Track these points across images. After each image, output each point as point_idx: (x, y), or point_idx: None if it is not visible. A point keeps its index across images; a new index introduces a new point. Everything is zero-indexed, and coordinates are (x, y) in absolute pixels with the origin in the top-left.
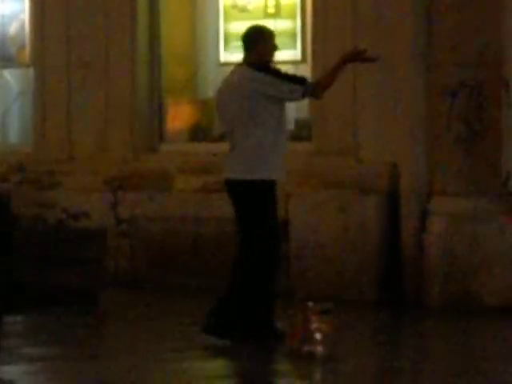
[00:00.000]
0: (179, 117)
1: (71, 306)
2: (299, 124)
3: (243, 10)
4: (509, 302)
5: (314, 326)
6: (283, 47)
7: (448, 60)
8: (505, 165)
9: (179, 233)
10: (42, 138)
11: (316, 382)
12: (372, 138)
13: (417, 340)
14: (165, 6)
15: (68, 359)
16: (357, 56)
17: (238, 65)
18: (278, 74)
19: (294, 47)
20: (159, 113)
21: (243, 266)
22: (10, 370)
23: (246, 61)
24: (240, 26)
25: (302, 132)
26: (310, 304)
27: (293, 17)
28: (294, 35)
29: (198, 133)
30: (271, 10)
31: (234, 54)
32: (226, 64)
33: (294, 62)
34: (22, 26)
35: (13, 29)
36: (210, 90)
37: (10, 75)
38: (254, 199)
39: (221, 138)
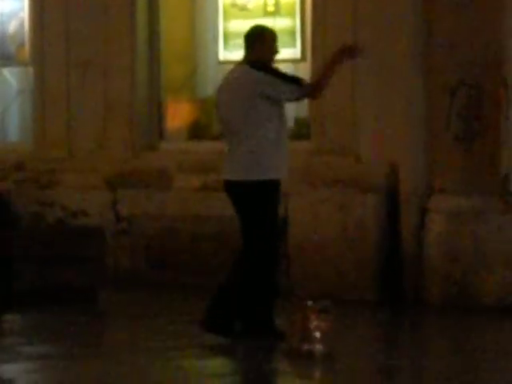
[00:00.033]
0: (178, 115)
1: (71, 304)
2: (298, 122)
3: (243, 8)
4: (508, 300)
5: (313, 324)
6: (283, 45)
7: (447, 59)
8: (503, 163)
9: (179, 231)
10: (42, 136)
11: (315, 380)
12: (371, 136)
13: (416, 338)
14: (164, 4)
15: (68, 357)
16: (346, 52)
17: (239, 63)
18: (277, 73)
19: (294, 45)
20: (158, 111)
21: (244, 265)
22: (10, 369)
23: (247, 60)
24: (239, 25)
25: (301, 130)
26: (309, 303)
27: (292, 15)
28: (293, 33)
29: (197, 131)
30: (271, 9)
31: (233, 53)
32: (226, 62)
33: (293, 61)
34: (22, 25)
35: (12, 27)
36: (209, 89)
37: (9, 73)
38: (256, 200)
39: (221, 135)
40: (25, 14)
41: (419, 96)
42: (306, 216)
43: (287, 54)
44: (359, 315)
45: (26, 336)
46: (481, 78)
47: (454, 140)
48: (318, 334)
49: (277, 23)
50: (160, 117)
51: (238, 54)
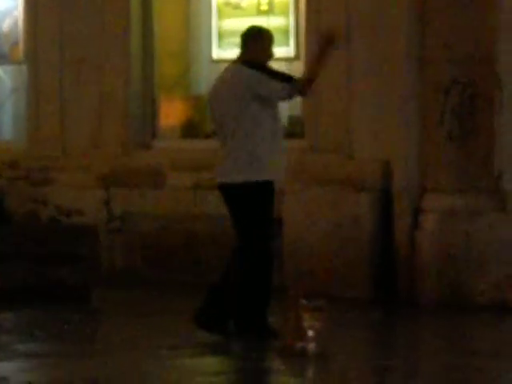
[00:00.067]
0: (172, 113)
1: (64, 302)
2: (292, 121)
3: (236, 7)
4: (501, 299)
5: (307, 323)
6: (276, 44)
7: (441, 57)
8: (497, 162)
9: (172, 229)
10: (36, 134)
11: (308, 379)
12: (365, 135)
13: (409, 337)
14: (158, 2)
15: (62, 356)
16: (329, 41)
17: (233, 62)
18: (268, 71)
19: (287, 44)
20: (152, 109)
21: (239, 264)
22: (4, 367)
23: (241, 59)
24: (233, 23)
25: (295, 129)
26: (303, 301)
27: (286, 14)
28: (287, 32)
29: (190, 129)
30: (264, 7)
31: (227, 51)
32: (219, 61)
33: (287, 59)
34: (16, 23)
35: (6, 25)
36: (202, 87)
37: (3, 72)
38: (251, 201)
39: (214, 134)
40: (19, 12)
41: (413, 95)
42: (299, 214)
43: (281, 52)
44: (353, 314)
45: (19, 334)
46: (474, 76)
47: (448, 138)
48: (311, 333)
49: (270, 22)
50: (153, 115)
51: (231, 52)
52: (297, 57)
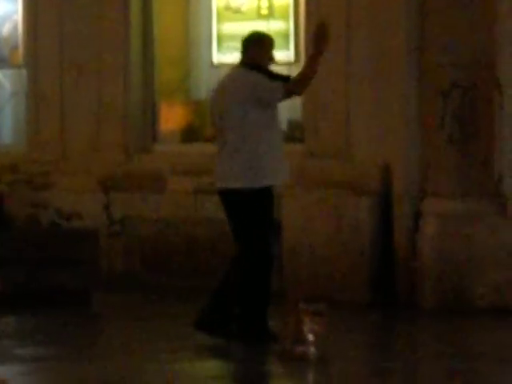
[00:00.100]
0: (172, 118)
1: (64, 306)
2: (292, 125)
3: (236, 11)
4: (501, 302)
5: (307, 327)
6: (276, 48)
7: (441, 61)
8: (497, 165)
9: (172, 234)
10: (36, 138)
11: (308, 383)
12: (365, 139)
13: (409, 341)
14: (158, 6)
15: (62, 360)
16: (322, 40)
17: (234, 67)
18: (271, 75)
19: (287, 48)
20: (152, 113)
21: (240, 269)
22: (3, 371)
23: (242, 63)
24: (233, 27)
25: (295, 133)
26: (303, 305)
27: (286, 18)
28: (287, 36)
29: (191, 133)
30: (264, 12)
31: (227, 55)
32: (219, 65)
33: (287, 63)
34: (15, 27)
35: (6, 29)
36: (202, 91)
37: (3, 76)
38: (251, 206)
39: (214, 138)
40: (19, 16)
41: (413, 99)
42: (299, 218)
43: (281, 56)
44: (352, 318)
45: (19, 338)
46: (475, 80)
47: (448, 142)
48: (311, 337)
49: (270, 26)
50: (154, 119)
51: (231, 56)
52: (297, 61)
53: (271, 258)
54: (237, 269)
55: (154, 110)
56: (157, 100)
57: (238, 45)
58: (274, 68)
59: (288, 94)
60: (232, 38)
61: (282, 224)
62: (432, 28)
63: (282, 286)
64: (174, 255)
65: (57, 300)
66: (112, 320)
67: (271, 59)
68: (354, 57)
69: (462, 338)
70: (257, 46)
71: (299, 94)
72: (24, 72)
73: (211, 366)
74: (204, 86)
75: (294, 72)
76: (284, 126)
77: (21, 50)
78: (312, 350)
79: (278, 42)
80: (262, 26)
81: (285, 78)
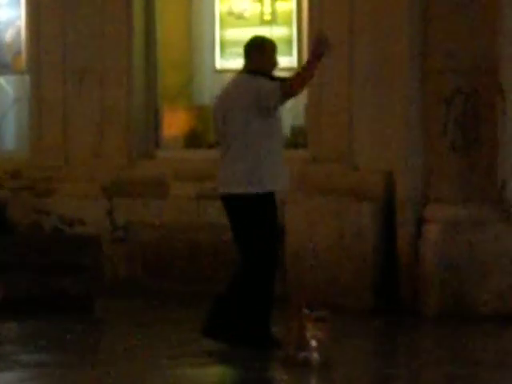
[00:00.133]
0: (175, 123)
1: (67, 312)
2: (295, 131)
3: (239, 16)
4: (504, 309)
5: (310, 333)
6: (279, 54)
7: (444, 67)
8: (500, 172)
9: (175, 239)
10: (38, 144)
11: None
12: (367, 145)
13: (412, 347)
14: (161, 12)
15: (64, 365)
16: (321, 44)
17: (238, 73)
18: (273, 79)
19: (290, 54)
20: (155, 119)
21: (244, 274)
22: (6, 377)
23: (246, 69)
24: (236, 33)
25: (298, 139)
26: (306, 311)
27: (289, 24)
28: (290, 42)
29: (193, 139)
30: (267, 17)
31: (229, 61)
32: (222, 71)
33: (290, 69)
34: (18, 33)
35: (9, 35)
36: (205, 97)
37: (5, 82)
38: (255, 212)
39: (217, 144)
40: (21, 22)
41: (416, 105)
42: (302, 224)
43: (284, 62)
44: (355, 323)
45: (22, 344)
46: (477, 86)
47: (451, 148)
48: (314, 343)
49: (273, 32)
50: (156, 125)
51: (234, 62)
52: (300, 67)
53: (274, 263)
54: (239, 274)
55: (157, 116)
56: (159, 105)
57: (241, 50)
58: (277, 74)
59: (285, 95)
60: (235, 43)
61: (284, 229)
62: (435, 34)
63: (285, 292)
64: (176, 261)
65: (59, 306)
66: (115, 326)
67: (274, 64)
68: (357, 63)
69: (465, 345)
70: (258, 52)
71: (294, 94)
72: (27, 78)
73: (213, 372)
74: (207, 92)
75: None
76: (287, 131)
77: (24, 55)
78: (315, 355)
79: (280, 47)
80: (264, 32)
81: (282, 80)
